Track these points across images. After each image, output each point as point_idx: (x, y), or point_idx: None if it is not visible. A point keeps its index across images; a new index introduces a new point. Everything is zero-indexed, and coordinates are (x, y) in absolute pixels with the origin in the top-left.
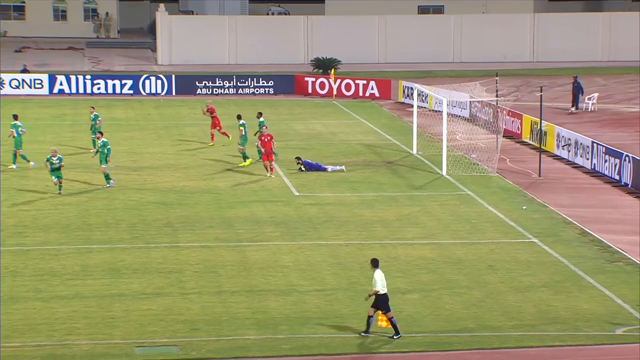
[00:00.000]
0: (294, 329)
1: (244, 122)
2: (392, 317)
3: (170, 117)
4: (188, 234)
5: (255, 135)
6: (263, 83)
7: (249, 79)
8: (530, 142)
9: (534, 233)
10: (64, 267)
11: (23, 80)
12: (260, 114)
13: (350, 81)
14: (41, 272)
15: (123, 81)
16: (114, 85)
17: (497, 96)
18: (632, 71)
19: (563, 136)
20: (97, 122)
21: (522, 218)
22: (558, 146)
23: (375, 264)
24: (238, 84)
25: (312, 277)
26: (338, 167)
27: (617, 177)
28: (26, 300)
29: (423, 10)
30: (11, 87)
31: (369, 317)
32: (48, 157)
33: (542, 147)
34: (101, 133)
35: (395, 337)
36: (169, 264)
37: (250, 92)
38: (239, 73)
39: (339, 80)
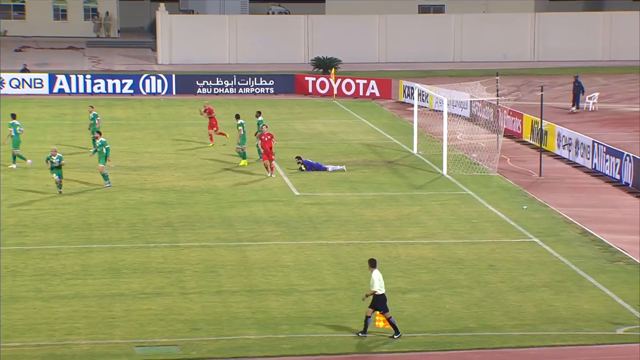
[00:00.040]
0: (295, 329)
1: (243, 121)
2: (391, 317)
3: (171, 117)
4: (188, 233)
5: (255, 135)
6: (263, 82)
7: (250, 79)
8: (531, 141)
9: (535, 233)
10: (64, 266)
11: (23, 79)
12: (259, 113)
13: (351, 81)
14: (41, 271)
15: (123, 81)
16: (114, 84)
17: (497, 96)
18: (633, 71)
19: (564, 136)
20: (97, 121)
21: (523, 218)
22: (559, 146)
23: (372, 264)
24: (238, 83)
25: (312, 276)
26: (338, 167)
27: (617, 177)
28: (26, 300)
29: (424, 9)
30: (11, 86)
31: (367, 317)
32: (48, 156)
33: (543, 146)
34: (99, 133)
35: (395, 336)
36: (169, 264)
37: (251, 91)
38: (239, 72)
39: (339, 80)
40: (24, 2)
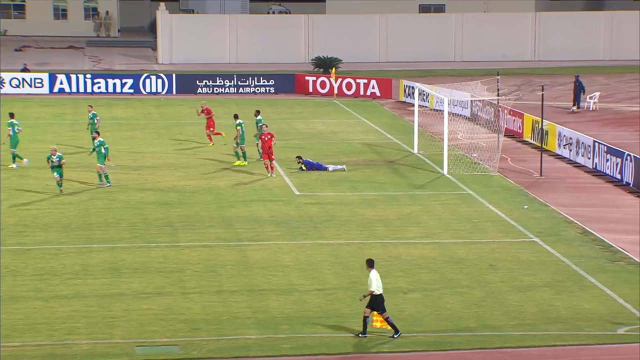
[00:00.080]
0: (295, 329)
1: (241, 121)
2: (388, 317)
3: (171, 116)
4: (188, 233)
5: (254, 136)
6: (264, 82)
7: (250, 78)
8: (532, 141)
9: (535, 232)
10: (64, 266)
11: (23, 79)
12: (257, 112)
13: (351, 80)
14: (41, 271)
15: (123, 80)
16: (114, 84)
17: (498, 95)
18: (634, 70)
19: (564, 135)
20: (96, 121)
21: (524, 217)
22: (559, 145)
23: (370, 264)
24: (239, 83)
25: (312, 276)
26: (339, 167)
27: (618, 177)
28: (26, 299)
29: (424, 9)
30: (11, 86)
31: (365, 317)
32: (48, 155)
33: (544, 146)
34: (98, 133)
35: (395, 335)
36: (170, 264)
37: (251, 91)
38: (239, 72)
39: (339, 79)
40: (24, 1)
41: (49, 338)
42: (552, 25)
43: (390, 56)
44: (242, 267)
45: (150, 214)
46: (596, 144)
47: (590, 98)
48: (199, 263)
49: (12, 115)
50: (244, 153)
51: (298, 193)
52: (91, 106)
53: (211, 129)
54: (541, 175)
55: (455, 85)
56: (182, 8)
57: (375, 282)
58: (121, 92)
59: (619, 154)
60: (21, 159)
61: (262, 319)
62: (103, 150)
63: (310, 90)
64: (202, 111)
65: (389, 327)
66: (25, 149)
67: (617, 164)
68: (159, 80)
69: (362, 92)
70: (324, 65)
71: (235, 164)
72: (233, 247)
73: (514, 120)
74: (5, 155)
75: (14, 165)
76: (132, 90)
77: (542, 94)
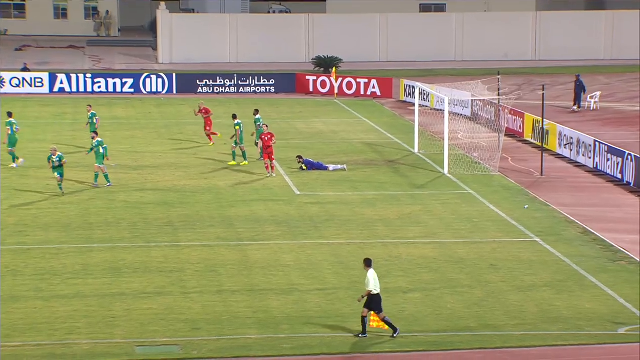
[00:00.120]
0: (295, 329)
1: (240, 121)
2: (385, 317)
3: (171, 116)
4: (189, 233)
5: (252, 135)
6: (264, 82)
7: (250, 78)
8: (532, 140)
9: (536, 232)
10: (65, 266)
11: (23, 78)
12: (256, 111)
13: (352, 80)
14: (42, 271)
15: (124, 80)
16: (114, 83)
17: (499, 95)
18: (635, 70)
19: (565, 135)
20: (96, 120)
21: (524, 217)
22: (560, 145)
23: (368, 263)
24: (239, 82)
25: (313, 276)
26: (339, 166)
27: (619, 176)
28: (27, 299)
29: (425, 8)
30: (11, 85)
31: (363, 317)
32: (49, 155)
33: (544, 146)
34: (96, 133)
35: (394, 335)
36: (170, 263)
37: (251, 90)
38: (240, 72)
39: (340, 79)
40: (24, 1)
41: (49, 338)
42: (552, 24)
43: (390, 56)
44: (242, 267)
45: (150, 214)
46: (597, 143)
47: (591, 97)
48: (199, 263)
49: (10, 114)
50: (243, 153)
51: (298, 193)
52: (90, 105)
53: (208, 128)
54: (542, 175)
55: (455, 85)
56: (183, 7)
57: (373, 282)
58: (121, 92)
59: (619, 154)
60: (18, 158)
61: (262, 318)
62: (102, 150)
63: (311, 89)
64: (200, 111)
65: (386, 327)
66: (25, 149)
67: (617, 164)
68: (159, 80)
69: (362, 92)
70: (325, 64)
71: (230, 163)
72: (233, 246)
73: (514, 120)
74: (6, 155)
75: (15, 165)
76: (132, 90)
77: (543, 94)
